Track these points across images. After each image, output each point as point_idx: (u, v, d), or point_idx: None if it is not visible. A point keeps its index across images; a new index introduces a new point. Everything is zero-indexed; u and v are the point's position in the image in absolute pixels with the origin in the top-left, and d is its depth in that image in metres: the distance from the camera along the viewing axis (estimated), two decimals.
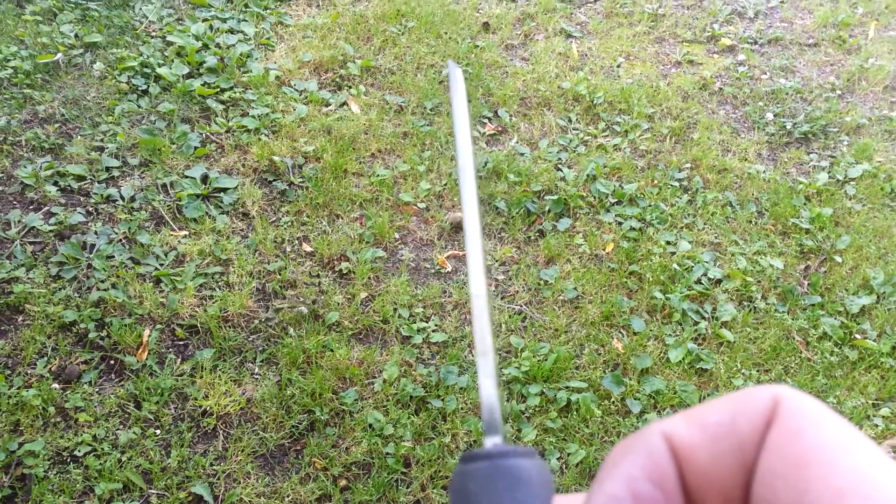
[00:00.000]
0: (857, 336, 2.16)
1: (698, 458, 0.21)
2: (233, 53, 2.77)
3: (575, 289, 2.19)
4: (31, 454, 1.62)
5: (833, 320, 2.18)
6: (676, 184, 2.56)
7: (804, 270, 2.35)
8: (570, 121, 2.78)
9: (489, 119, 2.75)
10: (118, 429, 1.72)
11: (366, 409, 1.83)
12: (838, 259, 2.36)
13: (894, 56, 3.29)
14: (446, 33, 3.08)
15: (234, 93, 2.63)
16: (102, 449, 1.67)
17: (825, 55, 3.29)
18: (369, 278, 2.13)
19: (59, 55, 2.62)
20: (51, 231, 2.08)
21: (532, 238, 2.34)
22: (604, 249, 2.32)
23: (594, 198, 2.47)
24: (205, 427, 1.76)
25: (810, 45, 3.34)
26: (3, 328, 1.87)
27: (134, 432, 1.70)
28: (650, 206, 2.46)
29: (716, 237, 2.41)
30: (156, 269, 2.05)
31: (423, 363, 1.95)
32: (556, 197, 2.43)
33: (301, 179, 2.38)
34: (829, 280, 2.31)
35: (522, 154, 2.61)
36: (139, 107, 2.52)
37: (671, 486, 0.21)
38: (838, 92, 3.08)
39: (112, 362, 1.85)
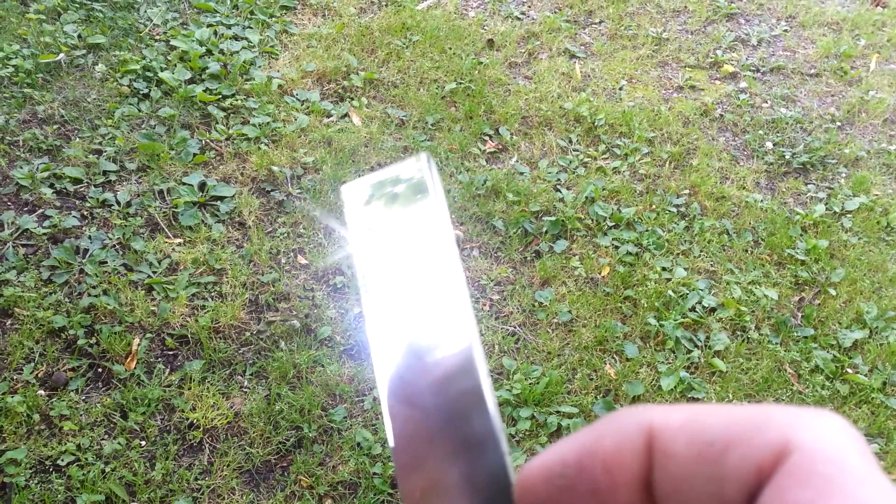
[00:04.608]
0: (849, 370, 2.16)
1: (671, 468, 0.19)
2: (236, 60, 2.77)
3: (569, 312, 2.18)
4: (13, 462, 1.60)
5: (825, 353, 2.18)
6: (674, 209, 2.56)
7: (798, 302, 2.35)
8: (570, 142, 2.78)
9: (490, 136, 2.75)
10: (103, 439, 1.70)
11: (354, 427, 1.82)
12: (832, 292, 2.36)
13: (895, 89, 3.31)
14: (451, 48, 3.08)
15: (236, 100, 2.62)
16: (86, 459, 1.65)
17: (826, 86, 3.30)
18: None
19: (62, 55, 2.61)
20: (44, 234, 2.06)
21: (528, 259, 2.34)
22: (600, 273, 2.32)
23: (592, 220, 2.47)
24: (191, 440, 1.74)
25: (812, 74, 3.36)
26: None
27: (119, 443, 1.68)
28: (647, 230, 2.46)
29: (711, 265, 2.40)
30: (148, 276, 2.03)
31: None
32: (553, 218, 2.43)
33: (299, 190, 2.37)
34: (822, 313, 2.31)
35: (522, 173, 2.61)
36: (139, 111, 2.51)
37: (620, 485, 0.19)
38: (838, 123, 3.09)
39: (100, 370, 1.83)
